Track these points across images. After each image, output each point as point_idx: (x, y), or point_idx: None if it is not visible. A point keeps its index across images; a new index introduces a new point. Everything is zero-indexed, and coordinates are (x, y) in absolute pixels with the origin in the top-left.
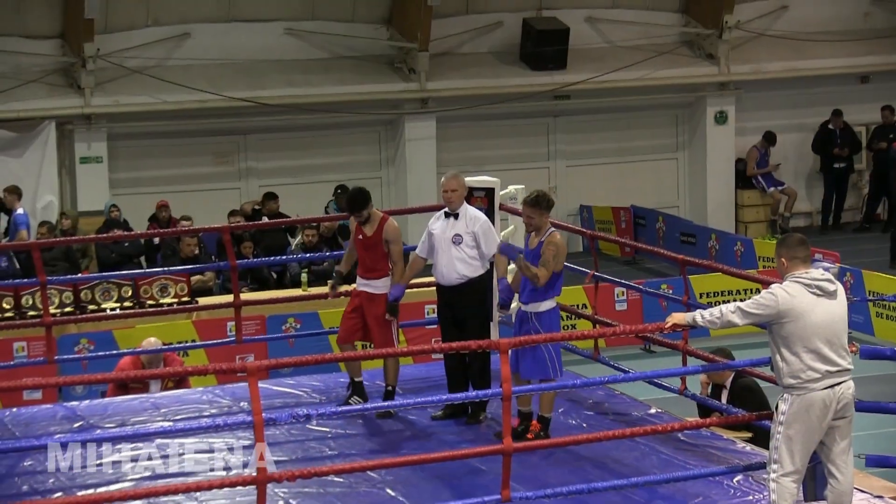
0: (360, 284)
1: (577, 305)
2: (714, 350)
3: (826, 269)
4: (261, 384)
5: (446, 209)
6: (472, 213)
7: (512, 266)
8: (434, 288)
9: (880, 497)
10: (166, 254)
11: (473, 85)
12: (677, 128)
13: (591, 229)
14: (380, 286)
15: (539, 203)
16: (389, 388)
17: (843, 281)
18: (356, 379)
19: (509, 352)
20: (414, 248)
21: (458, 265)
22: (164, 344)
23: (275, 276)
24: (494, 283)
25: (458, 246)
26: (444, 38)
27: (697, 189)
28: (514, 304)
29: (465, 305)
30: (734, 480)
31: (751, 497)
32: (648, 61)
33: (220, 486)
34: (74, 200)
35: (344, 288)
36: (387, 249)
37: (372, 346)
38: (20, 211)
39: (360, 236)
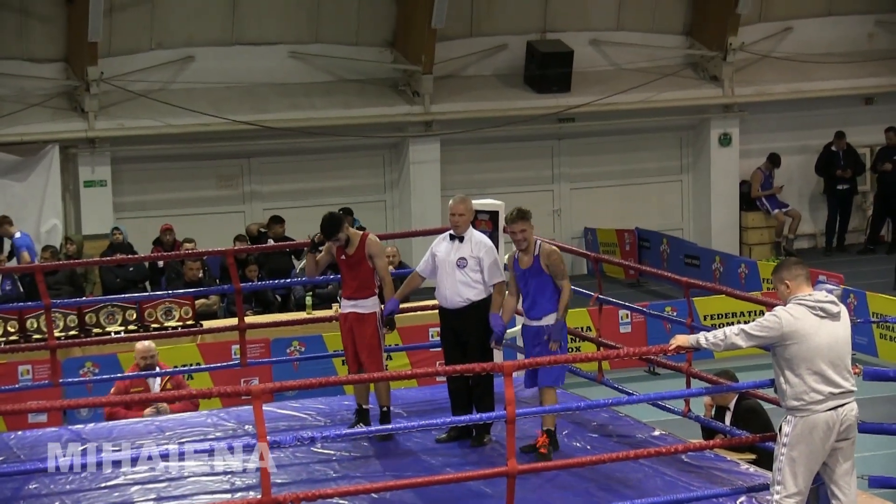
0: (347, 306)
1: (582, 328)
2: (718, 372)
3: (829, 291)
4: (265, 407)
5: (451, 232)
6: (477, 238)
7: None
8: (437, 311)
9: None
10: (170, 277)
11: (477, 108)
12: (681, 150)
13: (596, 252)
14: (368, 305)
15: (527, 216)
16: (384, 408)
17: (847, 303)
18: (364, 406)
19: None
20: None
21: (461, 288)
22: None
23: (279, 299)
24: None
25: (463, 269)
26: (448, 60)
27: (702, 211)
28: (511, 331)
29: (468, 328)
30: (738, 502)
31: None
32: (652, 84)
33: None
34: (79, 224)
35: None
36: (372, 265)
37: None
38: (18, 235)
39: (343, 256)
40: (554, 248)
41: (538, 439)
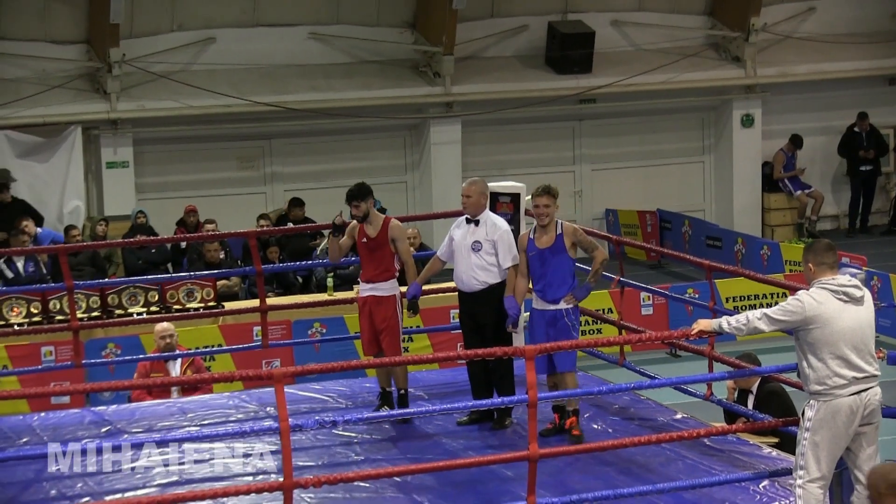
0: (366, 289)
1: (603, 310)
2: (740, 355)
3: (853, 275)
4: (287, 389)
5: (467, 215)
6: (492, 221)
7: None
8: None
9: None
10: (192, 258)
11: (498, 89)
12: (703, 131)
13: (617, 233)
14: (387, 288)
15: (553, 192)
16: (402, 391)
17: (871, 285)
18: (386, 389)
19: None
20: (434, 253)
21: (477, 272)
22: (191, 348)
23: (300, 280)
24: None
25: (478, 253)
26: (468, 41)
27: (724, 192)
28: (523, 316)
29: (485, 311)
30: (760, 486)
31: (777, 503)
32: (674, 64)
33: (247, 492)
34: (101, 205)
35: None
36: (394, 249)
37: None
38: (40, 230)
39: (364, 239)
40: (578, 226)
41: (567, 420)
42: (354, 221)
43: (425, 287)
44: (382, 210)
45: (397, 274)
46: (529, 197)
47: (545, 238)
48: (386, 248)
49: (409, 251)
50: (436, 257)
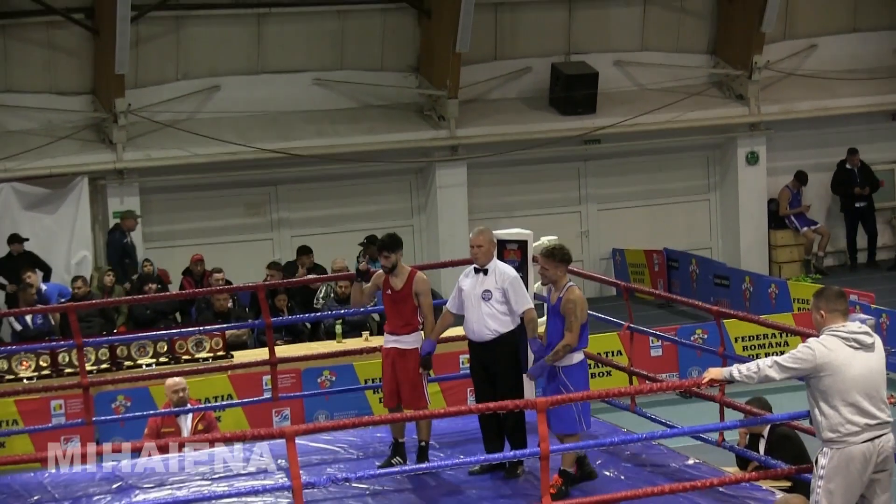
0: (389, 341)
1: (611, 352)
2: (751, 399)
3: (863, 321)
4: (297, 440)
5: (475, 265)
6: (501, 269)
7: (542, 321)
8: (466, 340)
9: None
10: (200, 307)
11: (503, 131)
12: (708, 169)
13: (625, 273)
14: (410, 341)
15: (553, 255)
16: (423, 443)
17: (879, 322)
18: (399, 440)
19: None
20: (445, 302)
21: (488, 321)
22: (200, 401)
23: (309, 326)
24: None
25: (488, 302)
26: (473, 84)
27: (730, 230)
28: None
29: (497, 361)
30: None
31: None
32: (678, 103)
33: None
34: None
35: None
36: (417, 303)
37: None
38: (44, 288)
39: (389, 291)
40: (578, 296)
41: (553, 477)
42: (381, 271)
43: None
44: None
45: (421, 327)
46: (537, 243)
47: (553, 295)
48: (410, 301)
49: (431, 306)
50: (446, 310)
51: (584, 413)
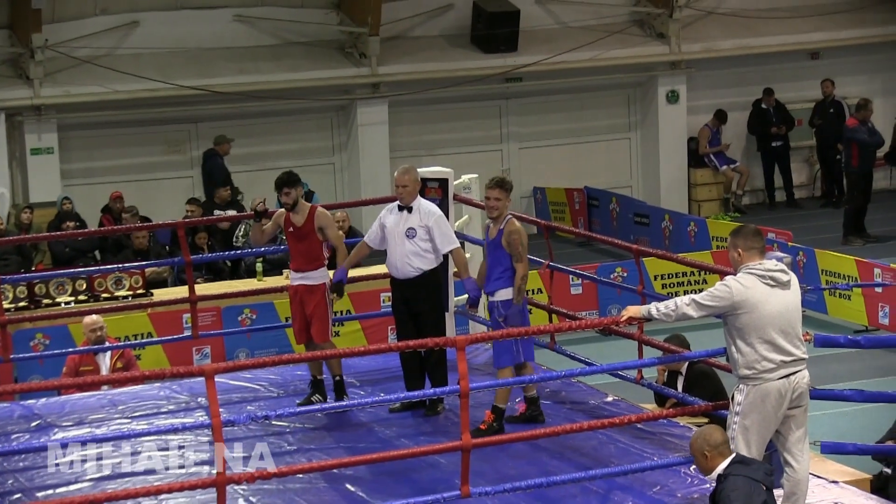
0: (296, 279)
1: (531, 290)
2: (669, 337)
3: (780, 259)
4: (217, 378)
5: (399, 203)
6: (425, 207)
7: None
8: (388, 279)
9: (835, 482)
10: (118, 246)
11: (425, 69)
12: (629, 108)
13: (545, 211)
14: (317, 276)
15: (505, 185)
16: (337, 377)
17: (796, 260)
18: (318, 377)
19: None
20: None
21: (412, 258)
22: (120, 339)
23: (229, 265)
24: (450, 276)
25: (412, 240)
26: (394, 21)
27: (650, 168)
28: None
29: (420, 299)
30: (691, 468)
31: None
32: (599, 42)
33: (181, 489)
34: (26, 192)
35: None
36: (321, 237)
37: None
38: None
39: (291, 228)
40: (519, 228)
41: (485, 417)
42: (282, 209)
43: (356, 272)
44: (311, 192)
45: (326, 262)
46: (458, 181)
47: (492, 229)
48: (313, 237)
49: (340, 236)
50: (363, 242)
51: (521, 345)
